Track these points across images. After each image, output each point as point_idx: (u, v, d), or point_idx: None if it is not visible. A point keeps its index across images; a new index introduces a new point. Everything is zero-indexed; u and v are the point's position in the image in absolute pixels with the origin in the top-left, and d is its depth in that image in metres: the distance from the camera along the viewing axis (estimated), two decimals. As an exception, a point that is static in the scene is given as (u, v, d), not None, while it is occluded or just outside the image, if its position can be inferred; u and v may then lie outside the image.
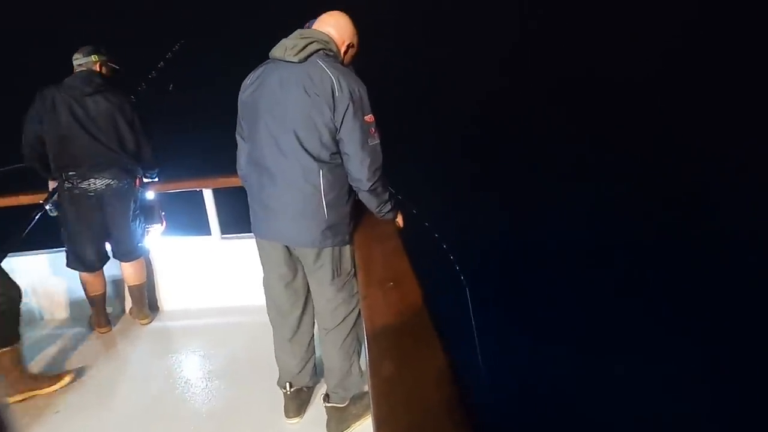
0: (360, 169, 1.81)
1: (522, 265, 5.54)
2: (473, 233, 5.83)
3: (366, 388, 2.28)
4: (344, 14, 1.95)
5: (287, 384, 2.20)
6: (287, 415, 2.23)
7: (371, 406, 1.03)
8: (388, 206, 1.97)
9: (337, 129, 1.78)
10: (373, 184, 1.84)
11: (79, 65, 2.85)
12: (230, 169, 3.12)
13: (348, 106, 1.74)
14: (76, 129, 2.73)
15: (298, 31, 1.87)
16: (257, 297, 3.28)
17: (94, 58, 2.86)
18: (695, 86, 11.18)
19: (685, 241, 5.82)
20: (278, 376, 2.24)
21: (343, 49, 1.92)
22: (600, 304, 4.73)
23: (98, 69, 2.87)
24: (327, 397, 2.16)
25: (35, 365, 2.82)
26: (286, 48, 1.81)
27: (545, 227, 6.41)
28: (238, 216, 3.25)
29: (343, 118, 1.75)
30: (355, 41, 1.96)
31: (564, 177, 7.92)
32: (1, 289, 2.37)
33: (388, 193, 1.95)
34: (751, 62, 11.89)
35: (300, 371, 2.20)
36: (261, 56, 1.95)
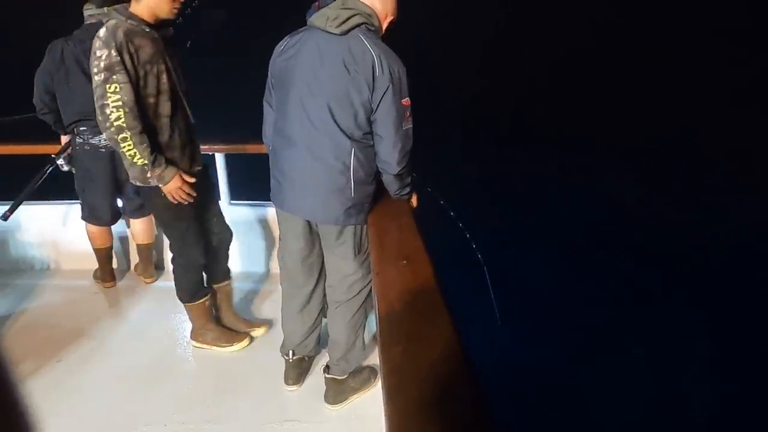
0: (391, 153, 1.78)
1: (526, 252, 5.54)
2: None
3: (366, 362, 2.31)
4: None
5: (290, 351, 2.22)
6: (286, 382, 2.26)
7: (382, 379, 1.03)
8: (407, 189, 1.96)
9: (373, 110, 1.74)
10: (401, 168, 1.82)
11: (90, 16, 2.78)
12: (244, 134, 3.15)
13: (388, 87, 1.69)
14: (86, 84, 2.68)
15: (340, 0, 1.76)
16: (262, 264, 3.33)
17: (106, 9, 2.80)
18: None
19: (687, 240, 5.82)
20: (282, 344, 2.26)
21: (385, 25, 1.84)
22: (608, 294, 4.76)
23: (113, 22, 2.82)
24: (327, 369, 2.18)
25: (38, 314, 2.87)
26: (328, 18, 1.72)
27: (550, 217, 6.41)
28: (248, 183, 3.26)
29: (381, 100, 1.71)
30: (396, 16, 1.87)
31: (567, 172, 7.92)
32: (216, 229, 2.49)
33: (410, 178, 1.94)
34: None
35: (304, 340, 2.22)
36: (283, 19, 1.90)
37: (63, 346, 2.56)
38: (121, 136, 1.92)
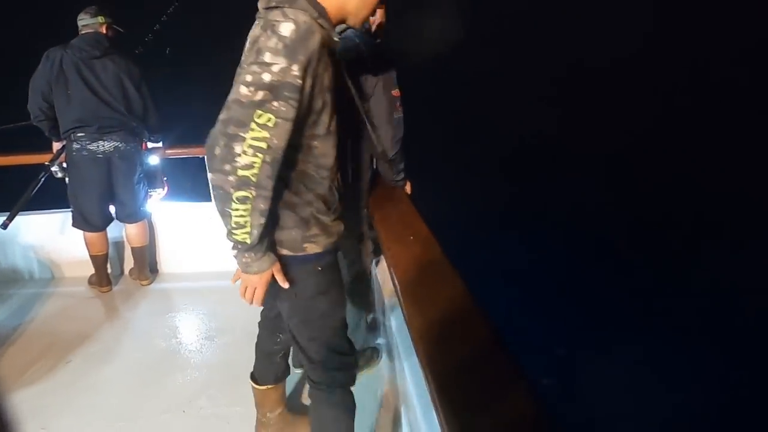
0: (384, 141, 1.95)
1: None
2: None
3: (368, 344, 2.47)
4: None
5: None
6: (294, 364, 2.38)
7: (414, 348, 1.15)
8: (402, 175, 2.12)
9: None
10: (394, 154, 1.99)
11: (85, 26, 2.87)
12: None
13: (378, 80, 1.87)
14: (85, 91, 2.78)
15: None
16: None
17: (100, 19, 2.87)
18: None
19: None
20: None
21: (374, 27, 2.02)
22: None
23: (104, 31, 2.90)
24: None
25: (40, 321, 2.92)
26: None
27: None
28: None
29: (373, 91, 1.88)
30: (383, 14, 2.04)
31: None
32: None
33: (403, 163, 2.11)
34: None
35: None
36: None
37: (70, 350, 2.63)
38: (239, 193, 1.18)
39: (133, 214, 3.10)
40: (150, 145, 3.11)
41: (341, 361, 1.59)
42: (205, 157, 1.21)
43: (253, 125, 1.14)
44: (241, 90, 1.15)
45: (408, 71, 1.94)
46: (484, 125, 10.23)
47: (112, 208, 3.09)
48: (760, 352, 4.15)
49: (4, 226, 2.75)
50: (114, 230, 3.19)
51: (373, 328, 2.61)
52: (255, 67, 1.15)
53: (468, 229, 5.92)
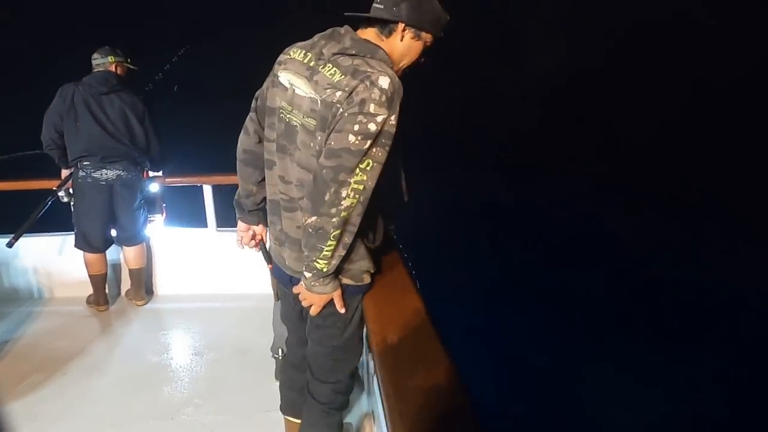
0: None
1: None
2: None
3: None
4: None
5: (279, 350, 2.52)
6: (277, 378, 2.55)
7: (374, 354, 1.34)
8: None
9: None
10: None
11: (97, 65, 3.17)
12: (228, 167, 3.51)
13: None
14: (92, 124, 3.04)
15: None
16: (246, 286, 3.63)
17: (110, 59, 3.17)
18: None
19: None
20: (272, 343, 2.56)
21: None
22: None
23: (114, 69, 3.18)
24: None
25: (37, 337, 3.08)
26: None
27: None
28: (233, 211, 3.58)
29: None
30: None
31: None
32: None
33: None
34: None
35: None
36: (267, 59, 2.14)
37: (66, 362, 2.79)
38: (336, 232, 1.33)
39: (132, 237, 3.31)
40: (151, 173, 3.35)
41: (348, 387, 1.76)
42: (310, 201, 1.36)
43: (357, 171, 1.29)
44: (350, 139, 1.28)
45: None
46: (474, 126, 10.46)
47: (113, 232, 3.30)
48: (760, 353, 4.24)
49: (10, 244, 2.95)
50: (113, 252, 3.39)
51: None
52: (361, 117, 1.27)
53: (454, 237, 6.10)
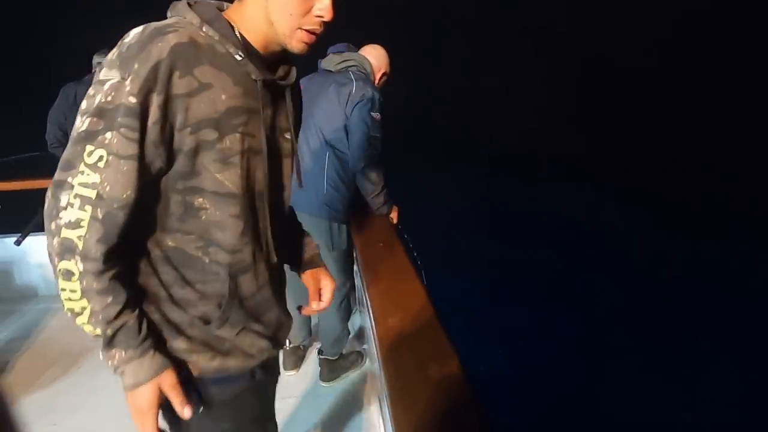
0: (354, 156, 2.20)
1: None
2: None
3: (353, 348, 2.69)
4: None
5: (287, 341, 2.58)
6: (285, 368, 2.61)
7: (377, 347, 1.38)
8: (381, 198, 2.30)
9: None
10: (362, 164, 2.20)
11: (98, 63, 3.20)
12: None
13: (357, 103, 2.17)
14: None
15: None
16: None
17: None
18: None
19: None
20: None
21: (378, 75, 2.40)
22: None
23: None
24: (321, 351, 2.55)
25: (51, 333, 3.15)
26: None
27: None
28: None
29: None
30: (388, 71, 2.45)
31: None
32: None
33: (382, 184, 2.30)
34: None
35: (299, 331, 2.60)
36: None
37: (80, 356, 2.83)
38: (62, 265, 0.87)
39: None
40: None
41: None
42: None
43: (81, 167, 0.81)
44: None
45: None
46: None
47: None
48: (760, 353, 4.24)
49: (18, 242, 3.00)
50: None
51: (360, 335, 2.88)
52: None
53: (456, 234, 6.15)
